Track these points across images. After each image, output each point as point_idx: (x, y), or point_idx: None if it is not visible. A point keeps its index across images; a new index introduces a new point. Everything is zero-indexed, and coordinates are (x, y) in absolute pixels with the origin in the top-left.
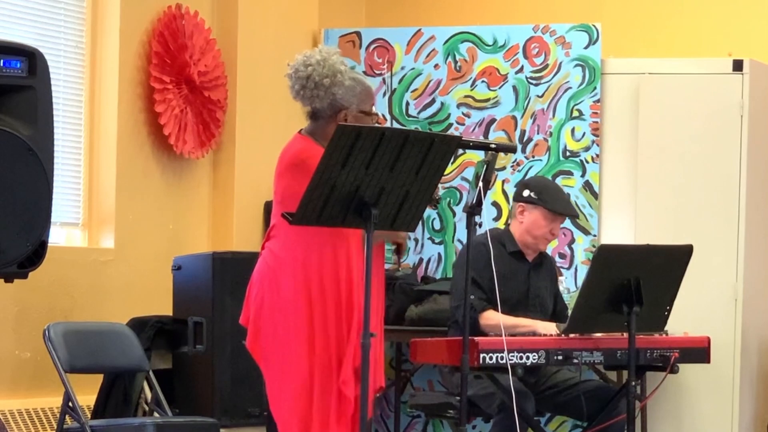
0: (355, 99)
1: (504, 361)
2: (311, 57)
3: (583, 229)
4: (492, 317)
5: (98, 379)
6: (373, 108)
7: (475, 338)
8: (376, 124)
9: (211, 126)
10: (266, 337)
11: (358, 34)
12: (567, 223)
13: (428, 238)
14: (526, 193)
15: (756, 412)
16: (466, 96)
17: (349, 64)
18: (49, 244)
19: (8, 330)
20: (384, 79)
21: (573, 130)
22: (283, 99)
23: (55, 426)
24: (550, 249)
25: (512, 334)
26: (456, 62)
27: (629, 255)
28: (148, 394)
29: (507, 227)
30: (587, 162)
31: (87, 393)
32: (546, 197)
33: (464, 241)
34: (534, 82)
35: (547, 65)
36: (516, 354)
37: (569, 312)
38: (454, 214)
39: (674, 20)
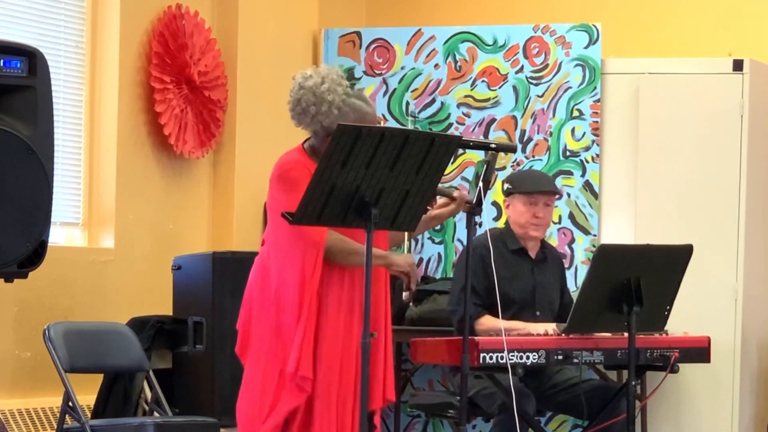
0: None
1: (504, 361)
2: (308, 79)
3: (583, 229)
4: (486, 323)
5: (98, 379)
6: None
7: (476, 338)
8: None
9: (211, 126)
10: (251, 343)
11: (358, 34)
12: (567, 223)
13: (428, 238)
14: (504, 187)
15: (756, 412)
16: (466, 96)
17: (348, 65)
18: (49, 244)
19: (8, 330)
20: (384, 80)
21: (573, 130)
22: (283, 99)
23: (55, 426)
24: None
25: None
26: (456, 62)
27: (629, 255)
28: (148, 394)
29: (507, 225)
30: (587, 162)
31: (87, 393)
32: (518, 183)
33: (464, 241)
34: (534, 82)
35: (547, 65)
36: (516, 354)
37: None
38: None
39: (674, 20)
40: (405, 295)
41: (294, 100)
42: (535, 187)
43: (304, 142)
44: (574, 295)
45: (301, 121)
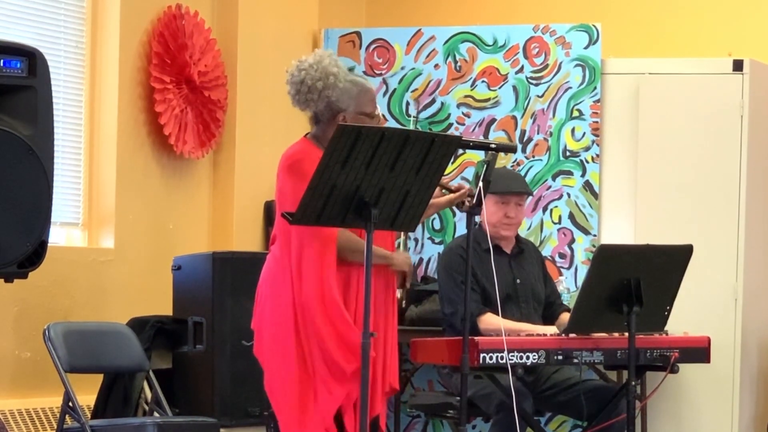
0: (353, 101)
1: (504, 361)
2: (304, 61)
3: (583, 229)
4: (491, 321)
5: (98, 379)
6: (376, 110)
7: (475, 338)
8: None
9: (211, 126)
10: (268, 342)
11: (358, 34)
12: (567, 222)
13: (428, 238)
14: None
15: (756, 412)
16: (466, 96)
17: (348, 65)
18: (49, 244)
19: (8, 330)
20: (384, 80)
21: (573, 130)
22: (283, 99)
23: (55, 426)
24: (550, 249)
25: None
26: (456, 62)
27: (629, 255)
28: (148, 394)
29: (479, 226)
30: (587, 162)
31: (87, 393)
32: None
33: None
34: (534, 82)
35: (547, 65)
36: (516, 354)
37: (562, 296)
38: (454, 214)
39: (674, 20)
40: (398, 292)
41: (297, 81)
42: (506, 188)
43: (306, 134)
44: (574, 296)
45: (309, 101)
